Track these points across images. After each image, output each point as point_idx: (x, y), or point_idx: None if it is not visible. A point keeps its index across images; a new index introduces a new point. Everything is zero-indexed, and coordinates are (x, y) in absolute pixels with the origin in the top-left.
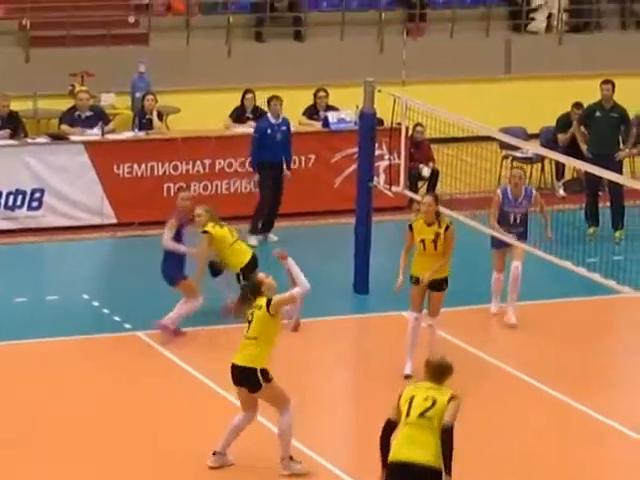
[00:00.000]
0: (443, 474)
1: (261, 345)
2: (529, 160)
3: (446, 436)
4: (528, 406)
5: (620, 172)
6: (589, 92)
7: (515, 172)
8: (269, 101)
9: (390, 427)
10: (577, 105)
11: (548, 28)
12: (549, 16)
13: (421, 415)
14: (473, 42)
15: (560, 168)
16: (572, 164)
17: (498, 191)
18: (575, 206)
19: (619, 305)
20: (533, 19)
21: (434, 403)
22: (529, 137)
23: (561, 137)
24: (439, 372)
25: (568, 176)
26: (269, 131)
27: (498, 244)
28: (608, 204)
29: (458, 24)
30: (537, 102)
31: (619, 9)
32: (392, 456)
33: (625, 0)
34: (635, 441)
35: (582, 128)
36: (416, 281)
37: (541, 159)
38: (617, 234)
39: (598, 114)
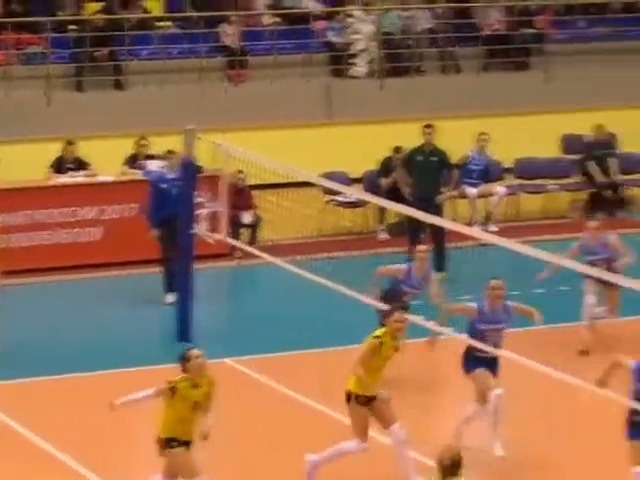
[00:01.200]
0: None
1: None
2: (352, 204)
3: None
4: None
5: (441, 215)
6: (411, 136)
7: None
8: (164, 155)
9: None
10: (397, 149)
11: (369, 73)
12: (370, 61)
13: None
14: (294, 88)
15: (383, 212)
16: (394, 208)
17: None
18: (398, 249)
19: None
20: (354, 64)
21: None
22: (351, 182)
23: (383, 181)
24: (453, 466)
25: (391, 219)
26: (164, 185)
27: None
28: (431, 247)
29: (279, 70)
30: (359, 146)
31: (438, 53)
32: None
33: (445, 44)
34: None
35: (404, 172)
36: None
37: (364, 203)
38: (439, 277)
39: (419, 158)
